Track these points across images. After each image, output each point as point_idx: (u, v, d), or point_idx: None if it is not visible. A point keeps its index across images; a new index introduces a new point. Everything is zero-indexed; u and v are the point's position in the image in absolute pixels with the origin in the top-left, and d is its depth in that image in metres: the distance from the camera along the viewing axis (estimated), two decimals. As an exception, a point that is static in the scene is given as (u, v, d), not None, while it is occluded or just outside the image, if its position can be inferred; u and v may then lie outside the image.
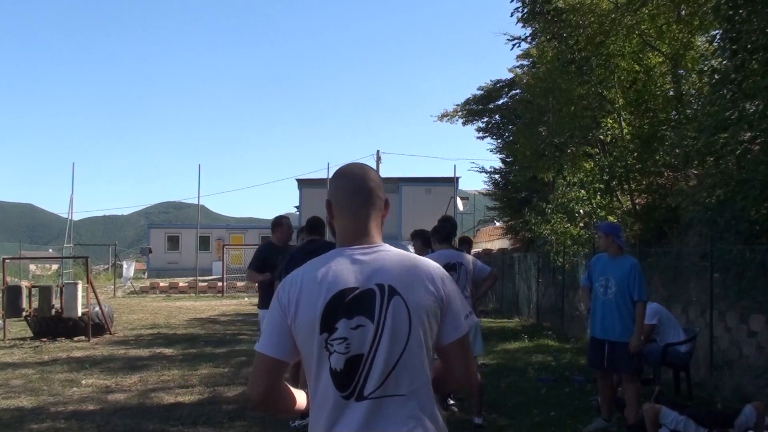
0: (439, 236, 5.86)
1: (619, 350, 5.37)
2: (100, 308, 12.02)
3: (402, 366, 1.68)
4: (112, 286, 25.39)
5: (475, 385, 5.60)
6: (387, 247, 1.79)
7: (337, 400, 1.66)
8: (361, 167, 1.87)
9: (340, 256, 1.75)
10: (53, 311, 11.42)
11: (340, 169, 1.88)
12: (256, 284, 6.75)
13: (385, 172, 34.31)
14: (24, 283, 13.09)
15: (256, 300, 6.78)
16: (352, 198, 1.80)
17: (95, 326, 11.75)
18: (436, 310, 1.73)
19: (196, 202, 31.30)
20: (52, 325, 11.66)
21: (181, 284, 25.55)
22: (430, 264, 1.80)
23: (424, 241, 6.25)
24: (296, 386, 1.91)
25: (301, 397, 1.86)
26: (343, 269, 1.72)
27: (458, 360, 1.79)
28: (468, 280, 5.70)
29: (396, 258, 1.76)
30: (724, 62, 8.31)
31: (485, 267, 6.09)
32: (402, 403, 1.67)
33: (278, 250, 6.42)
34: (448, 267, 5.33)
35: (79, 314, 11.55)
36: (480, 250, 25.93)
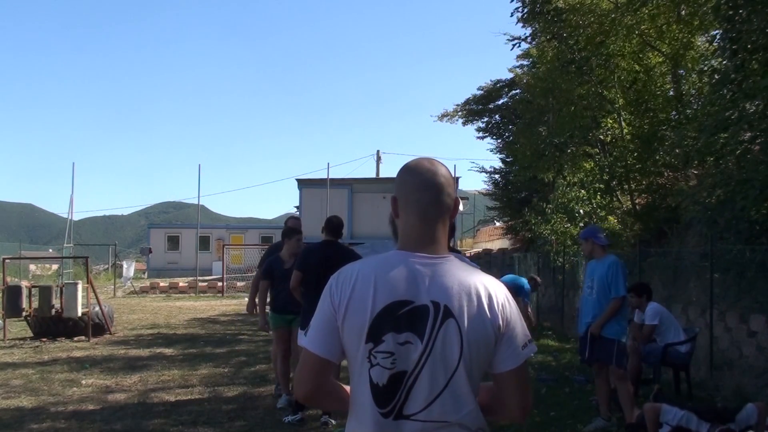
0: None
1: (601, 344, 5.51)
2: (100, 308, 12.02)
3: (449, 392, 1.59)
4: (112, 286, 25.38)
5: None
6: (452, 258, 1.67)
7: (375, 416, 1.59)
8: (431, 161, 1.72)
9: (402, 263, 1.63)
10: (53, 311, 11.41)
11: (408, 162, 1.74)
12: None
13: (385, 172, 34.34)
14: (24, 283, 13.08)
15: (256, 300, 6.77)
16: (422, 193, 1.66)
17: (95, 326, 11.75)
18: (491, 339, 1.61)
19: (196, 202, 31.31)
20: (52, 325, 11.65)
21: (181, 284, 25.54)
22: (493, 285, 1.66)
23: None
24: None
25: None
26: (400, 277, 1.60)
27: (512, 390, 1.66)
28: None
29: (458, 275, 1.63)
30: (724, 62, 8.31)
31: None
32: (448, 431, 1.59)
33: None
34: None
35: (79, 314, 11.55)
36: (480, 250, 25.95)
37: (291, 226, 6.68)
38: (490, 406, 1.69)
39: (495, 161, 51.98)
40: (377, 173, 34.24)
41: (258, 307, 6.78)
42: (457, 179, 28.58)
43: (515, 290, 10.16)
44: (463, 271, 1.65)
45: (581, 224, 12.52)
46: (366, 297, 1.59)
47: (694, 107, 11.46)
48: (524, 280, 11.64)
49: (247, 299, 7.63)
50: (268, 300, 6.58)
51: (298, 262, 5.81)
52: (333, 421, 5.70)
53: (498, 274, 17.80)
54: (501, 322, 1.62)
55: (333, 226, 5.80)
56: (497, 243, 27.28)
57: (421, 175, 1.68)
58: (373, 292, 1.59)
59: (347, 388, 1.73)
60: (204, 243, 32.21)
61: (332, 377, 1.71)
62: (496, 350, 1.63)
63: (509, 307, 1.65)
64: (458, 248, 7.30)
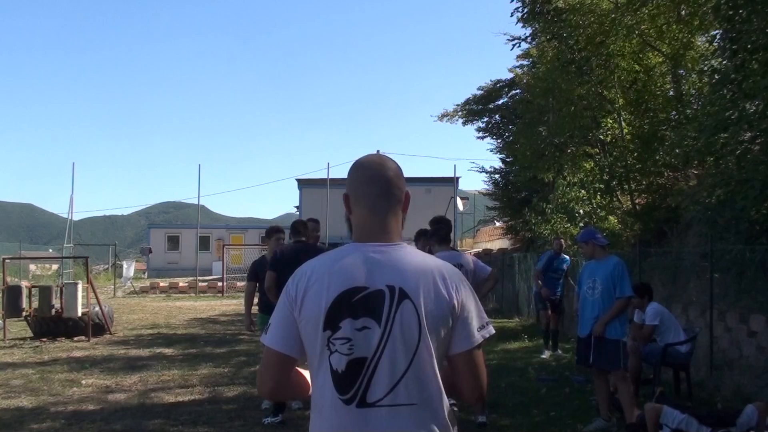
0: (437, 238, 5.87)
1: (604, 346, 5.46)
2: (100, 308, 12.02)
3: (412, 374, 1.59)
4: (112, 286, 25.38)
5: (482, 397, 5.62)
6: (404, 245, 1.69)
7: (335, 402, 1.59)
8: (379, 157, 1.79)
9: (354, 252, 1.67)
10: (53, 311, 11.41)
11: (357, 160, 1.79)
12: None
13: (385, 172, 34.27)
14: (24, 283, 13.09)
15: (255, 299, 6.77)
16: (369, 187, 1.71)
17: (95, 326, 11.75)
18: (448, 319, 1.62)
19: (196, 202, 31.31)
20: (52, 325, 11.65)
21: (181, 284, 25.54)
22: (447, 267, 1.68)
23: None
24: None
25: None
26: (354, 266, 1.63)
27: (466, 373, 1.67)
28: (469, 281, 5.71)
29: (411, 258, 1.66)
30: (724, 62, 8.31)
31: (485, 267, 6.10)
32: (413, 413, 1.58)
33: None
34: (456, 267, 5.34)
35: (79, 314, 11.55)
36: (480, 250, 25.94)
37: (293, 224, 6.71)
38: (447, 385, 1.69)
39: (495, 161, 52.00)
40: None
41: (244, 308, 6.83)
42: (457, 179, 28.62)
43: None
44: (416, 255, 1.69)
45: (581, 224, 12.52)
46: (321, 287, 1.62)
47: (694, 107, 11.46)
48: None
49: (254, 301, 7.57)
50: (256, 301, 6.61)
51: (271, 263, 6.03)
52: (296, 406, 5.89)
53: (498, 275, 17.82)
54: (456, 303, 1.63)
55: (300, 228, 6.10)
56: (497, 243, 27.27)
57: (369, 170, 1.73)
58: (328, 281, 1.62)
59: (306, 373, 1.75)
60: (204, 243, 32.19)
61: (293, 373, 1.73)
62: (452, 332, 1.64)
63: (464, 289, 1.67)
64: (457, 248, 7.31)
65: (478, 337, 1.66)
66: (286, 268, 5.74)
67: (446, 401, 1.67)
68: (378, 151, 33.45)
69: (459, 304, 1.64)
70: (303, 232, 6.09)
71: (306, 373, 1.76)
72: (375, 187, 1.71)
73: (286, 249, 6.15)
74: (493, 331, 1.72)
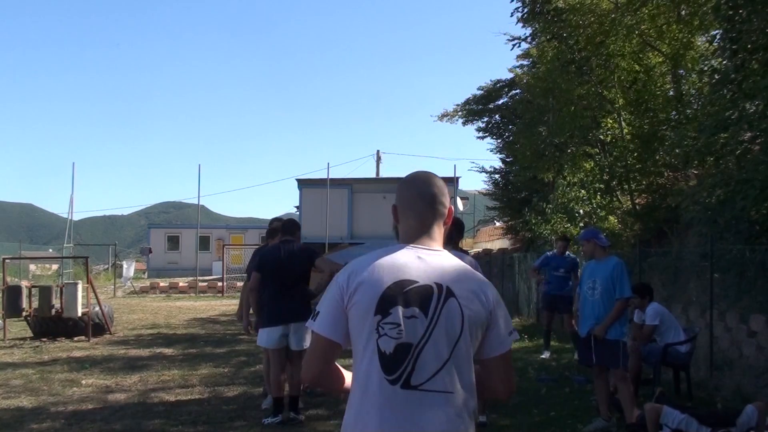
0: (447, 237, 5.90)
1: (604, 346, 5.47)
2: (100, 308, 12.02)
3: (451, 364, 1.74)
4: (112, 286, 25.38)
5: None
6: (447, 253, 1.87)
7: (382, 382, 1.73)
8: (426, 174, 1.96)
9: (406, 249, 1.84)
10: (53, 311, 11.41)
11: (406, 177, 1.98)
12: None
13: (385, 172, 34.33)
14: (24, 283, 13.10)
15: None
16: (417, 202, 1.90)
17: (95, 326, 11.75)
18: (484, 323, 1.80)
19: (196, 202, 31.30)
20: (52, 325, 11.65)
21: (181, 284, 25.54)
22: (483, 278, 1.89)
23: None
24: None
25: (349, 378, 1.91)
26: (406, 261, 1.79)
27: (500, 374, 1.87)
28: None
29: (455, 264, 1.85)
30: (724, 62, 8.32)
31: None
32: (449, 401, 1.73)
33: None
34: None
35: (79, 314, 11.54)
36: (480, 250, 25.95)
37: (274, 227, 6.70)
38: (476, 388, 1.85)
39: (495, 161, 51.98)
40: (377, 173, 34.24)
41: (243, 309, 6.84)
42: (457, 179, 28.58)
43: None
44: (459, 262, 1.88)
45: (581, 224, 12.52)
46: (374, 277, 1.77)
47: (694, 107, 11.47)
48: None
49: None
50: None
51: (255, 263, 6.07)
52: (301, 417, 5.85)
53: (498, 274, 17.84)
54: (491, 309, 1.82)
55: (290, 228, 6.13)
56: (497, 243, 27.29)
57: (418, 186, 1.93)
58: (381, 272, 1.78)
59: (343, 370, 1.91)
60: (204, 243, 32.19)
61: (336, 363, 1.88)
62: (485, 335, 1.83)
63: (496, 297, 1.86)
64: (465, 249, 7.34)
65: (509, 341, 1.86)
66: (270, 268, 5.84)
67: (474, 392, 1.82)
68: (378, 151, 33.37)
69: (493, 310, 1.83)
70: (295, 234, 6.11)
71: (343, 370, 1.91)
72: (423, 202, 1.90)
73: (269, 249, 6.18)
74: (518, 336, 1.93)
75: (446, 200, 1.94)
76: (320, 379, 1.87)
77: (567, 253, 9.63)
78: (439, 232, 1.91)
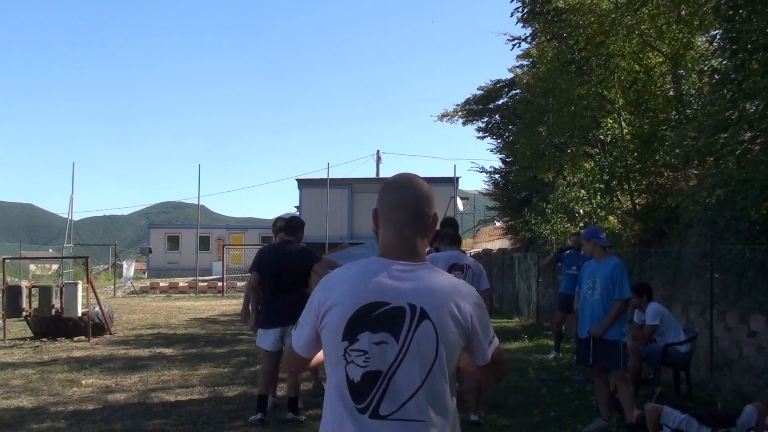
0: (449, 240, 5.93)
1: (604, 347, 5.46)
2: (100, 308, 12.02)
3: (424, 391, 1.64)
4: (112, 286, 25.38)
5: (473, 381, 5.72)
6: (428, 265, 1.76)
7: (351, 410, 1.65)
8: (409, 180, 1.80)
9: (379, 267, 1.72)
10: (53, 311, 11.41)
11: (389, 179, 1.85)
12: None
13: (385, 172, 34.34)
14: (24, 283, 13.08)
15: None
16: (398, 212, 1.75)
17: (95, 326, 11.75)
18: (463, 338, 1.71)
19: (196, 202, 31.32)
20: (52, 325, 11.65)
21: (181, 284, 25.54)
22: (464, 290, 1.75)
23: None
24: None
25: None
26: (378, 281, 1.68)
27: (489, 373, 1.85)
28: (473, 282, 5.73)
29: (433, 280, 1.72)
30: (724, 62, 8.32)
31: (485, 281, 5.99)
32: (424, 430, 1.64)
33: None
34: (456, 267, 5.49)
35: (79, 314, 11.54)
36: (480, 250, 25.93)
37: (279, 227, 6.69)
38: (471, 373, 1.88)
39: (495, 161, 52.01)
40: (377, 173, 34.24)
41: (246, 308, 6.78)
42: (457, 179, 28.62)
43: None
44: (438, 277, 1.74)
45: (581, 224, 12.52)
46: (344, 299, 1.68)
47: (694, 107, 11.46)
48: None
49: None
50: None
51: (254, 263, 6.06)
52: (302, 417, 5.84)
53: (498, 274, 17.84)
54: (471, 324, 1.71)
55: (291, 227, 6.10)
56: (497, 243, 27.26)
57: (399, 194, 1.77)
58: (352, 293, 1.68)
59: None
60: (204, 243, 32.21)
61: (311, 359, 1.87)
62: (470, 348, 1.76)
63: (477, 309, 1.75)
64: (462, 249, 7.34)
65: (490, 352, 1.78)
66: (269, 268, 5.82)
67: (454, 416, 1.74)
68: (378, 151, 33.34)
69: (471, 326, 1.72)
70: (297, 234, 6.08)
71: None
72: (403, 213, 1.75)
73: (268, 249, 6.16)
74: (498, 342, 1.84)
75: (430, 209, 1.79)
76: (300, 371, 1.93)
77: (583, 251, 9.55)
78: (420, 243, 1.77)
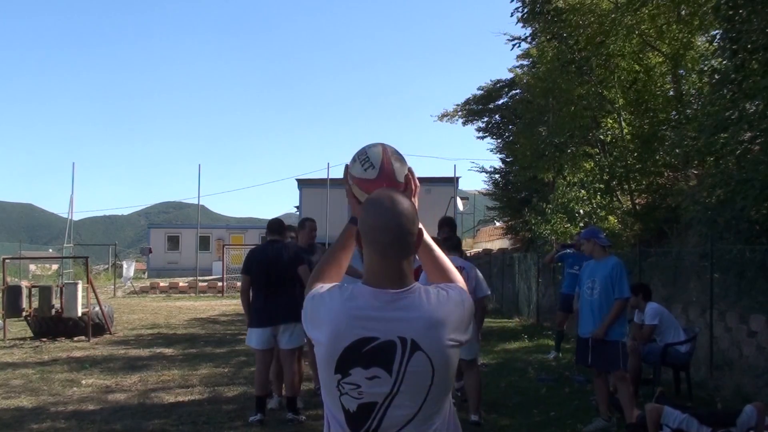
0: (450, 244, 5.92)
1: (604, 348, 5.45)
2: (100, 308, 12.02)
3: (422, 416, 1.63)
4: (112, 286, 25.38)
5: (474, 382, 5.74)
6: (416, 288, 1.66)
7: None
8: (392, 200, 1.68)
9: (366, 299, 1.64)
10: (53, 311, 11.41)
11: (370, 197, 1.73)
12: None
13: (385, 172, 34.17)
14: (24, 283, 13.08)
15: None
16: (381, 235, 1.65)
17: (95, 326, 11.75)
18: (457, 355, 1.68)
19: (196, 202, 31.32)
20: (52, 325, 11.65)
21: (181, 284, 25.54)
22: (453, 302, 1.68)
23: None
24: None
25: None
26: (368, 314, 1.62)
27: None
28: (472, 286, 5.72)
29: (422, 309, 1.64)
30: (724, 62, 8.32)
31: (485, 288, 5.97)
32: None
33: (303, 251, 6.45)
34: (458, 269, 5.42)
35: (79, 314, 11.54)
36: (480, 250, 25.94)
37: (300, 220, 6.78)
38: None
39: (495, 161, 51.95)
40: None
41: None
42: (457, 179, 28.61)
43: None
44: (427, 302, 1.65)
45: (581, 224, 12.52)
46: (333, 334, 1.62)
47: (694, 107, 11.48)
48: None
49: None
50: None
51: (243, 266, 6.11)
52: (302, 417, 5.85)
53: (498, 274, 17.85)
54: (463, 337, 1.68)
55: (273, 226, 6.17)
56: (497, 243, 27.28)
57: (381, 216, 1.66)
58: (340, 330, 1.61)
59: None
60: (204, 243, 32.19)
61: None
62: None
63: (467, 318, 1.71)
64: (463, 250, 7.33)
65: (475, 350, 1.82)
66: (259, 269, 5.85)
67: (455, 415, 1.74)
68: (378, 151, 33.31)
69: (465, 335, 1.70)
70: (282, 233, 6.15)
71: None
72: (387, 236, 1.65)
73: (257, 250, 6.21)
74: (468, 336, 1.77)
75: (415, 227, 1.69)
76: None
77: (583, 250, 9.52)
78: (407, 265, 1.68)
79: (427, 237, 1.80)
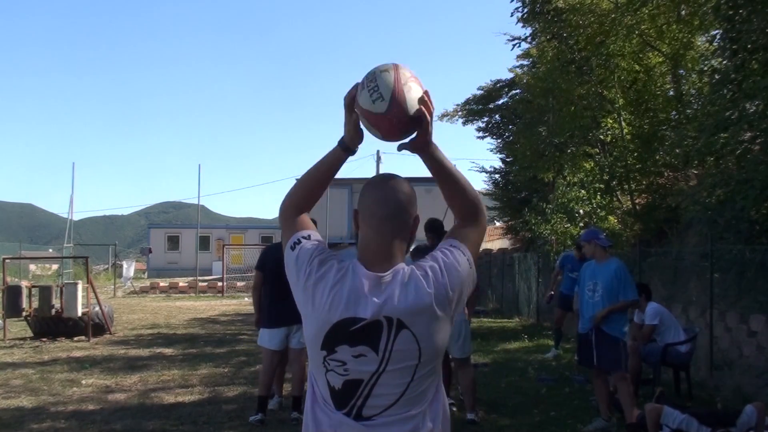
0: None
1: (605, 344, 5.43)
2: (100, 308, 12.02)
3: (408, 395, 1.64)
4: (112, 286, 25.38)
5: (468, 381, 5.76)
6: (402, 269, 1.67)
7: (332, 411, 1.66)
8: (392, 178, 1.76)
9: (357, 278, 1.66)
10: (53, 311, 11.41)
11: (371, 178, 1.80)
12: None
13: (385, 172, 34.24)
14: (24, 283, 13.07)
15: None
16: (378, 209, 1.70)
17: (95, 326, 11.75)
18: (449, 331, 1.69)
19: (196, 202, 31.34)
20: (52, 325, 11.65)
21: (181, 284, 25.53)
22: (439, 270, 1.67)
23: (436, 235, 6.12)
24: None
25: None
26: (355, 294, 1.63)
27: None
28: None
29: (410, 286, 1.64)
30: (724, 62, 8.33)
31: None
32: (408, 422, 1.64)
33: None
34: None
35: (79, 314, 11.54)
36: (480, 250, 25.89)
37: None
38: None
39: (495, 161, 52.00)
40: (377, 173, 34.21)
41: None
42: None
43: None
44: (412, 279, 1.65)
45: (581, 224, 12.52)
46: (321, 311, 1.64)
47: (694, 107, 11.48)
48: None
49: (247, 299, 7.57)
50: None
51: (257, 262, 6.11)
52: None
53: (498, 274, 17.84)
54: (452, 307, 1.67)
55: None
56: (497, 243, 27.27)
57: (380, 191, 1.72)
58: (329, 305, 1.63)
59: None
60: (204, 243, 32.21)
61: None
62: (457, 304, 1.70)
63: (458, 279, 1.68)
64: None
65: (471, 257, 1.75)
66: (271, 267, 5.83)
67: (444, 402, 1.74)
68: (378, 151, 33.37)
69: (453, 303, 1.68)
70: None
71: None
72: (384, 209, 1.70)
73: (271, 248, 6.20)
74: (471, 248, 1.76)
75: (412, 209, 1.73)
76: None
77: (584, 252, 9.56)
78: (400, 244, 1.71)
79: (437, 151, 1.74)
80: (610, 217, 12.85)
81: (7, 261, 13.17)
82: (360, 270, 1.67)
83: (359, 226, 1.75)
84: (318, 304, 1.65)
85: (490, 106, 24.39)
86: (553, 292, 10.02)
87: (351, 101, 1.71)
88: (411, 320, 1.62)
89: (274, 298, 5.82)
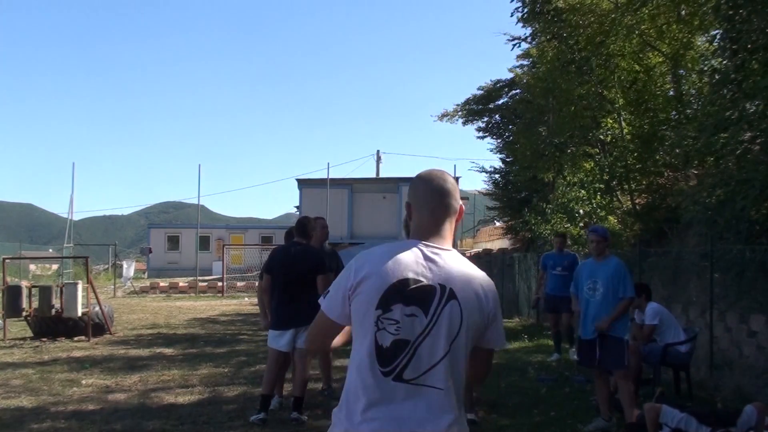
0: None
1: (609, 344, 5.42)
2: (100, 308, 12.02)
3: (446, 363, 1.82)
4: (112, 286, 25.38)
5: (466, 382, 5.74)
6: (456, 252, 1.95)
7: (375, 372, 1.81)
8: (441, 171, 2.02)
9: (414, 247, 1.89)
10: (53, 311, 11.40)
11: (421, 172, 2.04)
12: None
13: (385, 172, 34.35)
14: (24, 283, 13.06)
15: (255, 300, 6.77)
16: (431, 197, 1.96)
17: (95, 326, 11.75)
18: (483, 322, 1.91)
19: (196, 202, 31.33)
20: (52, 325, 11.65)
21: (181, 284, 25.53)
22: (485, 280, 1.94)
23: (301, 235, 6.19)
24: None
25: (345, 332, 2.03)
26: (413, 260, 1.86)
27: (485, 365, 2.03)
28: None
29: (461, 265, 1.91)
30: (724, 62, 8.32)
31: None
32: (439, 397, 1.81)
33: (328, 256, 6.38)
34: None
35: (79, 314, 11.54)
36: (480, 250, 25.94)
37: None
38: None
39: (495, 161, 51.94)
40: (377, 173, 34.24)
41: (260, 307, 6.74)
42: (457, 179, 28.39)
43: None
44: (465, 263, 1.93)
45: (581, 224, 12.52)
46: (381, 271, 1.84)
47: (694, 107, 11.48)
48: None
49: (247, 299, 7.57)
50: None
51: (264, 265, 6.09)
52: (304, 417, 5.80)
53: (498, 274, 17.83)
54: (491, 312, 1.93)
55: (298, 228, 6.07)
56: (497, 243, 27.29)
57: (432, 182, 1.99)
58: (388, 268, 1.84)
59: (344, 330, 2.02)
60: (204, 243, 32.21)
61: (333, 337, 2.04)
62: (487, 332, 1.94)
63: (496, 301, 1.96)
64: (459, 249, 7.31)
65: (503, 341, 2.00)
66: (279, 269, 5.82)
67: (465, 387, 1.97)
68: (378, 151, 33.37)
69: (492, 313, 1.93)
70: (308, 235, 6.04)
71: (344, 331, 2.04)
72: (436, 197, 1.96)
73: (279, 250, 6.15)
74: (507, 345, 1.99)
75: (458, 198, 2.00)
76: (321, 349, 2.09)
77: (565, 250, 9.53)
78: (450, 228, 1.96)
79: None
80: (610, 217, 12.85)
81: (7, 261, 13.17)
82: (417, 242, 1.92)
83: (412, 216, 1.99)
84: (379, 266, 1.85)
85: (490, 106, 24.40)
86: (539, 296, 9.95)
87: None
88: (462, 293, 1.85)
89: (283, 301, 5.81)
